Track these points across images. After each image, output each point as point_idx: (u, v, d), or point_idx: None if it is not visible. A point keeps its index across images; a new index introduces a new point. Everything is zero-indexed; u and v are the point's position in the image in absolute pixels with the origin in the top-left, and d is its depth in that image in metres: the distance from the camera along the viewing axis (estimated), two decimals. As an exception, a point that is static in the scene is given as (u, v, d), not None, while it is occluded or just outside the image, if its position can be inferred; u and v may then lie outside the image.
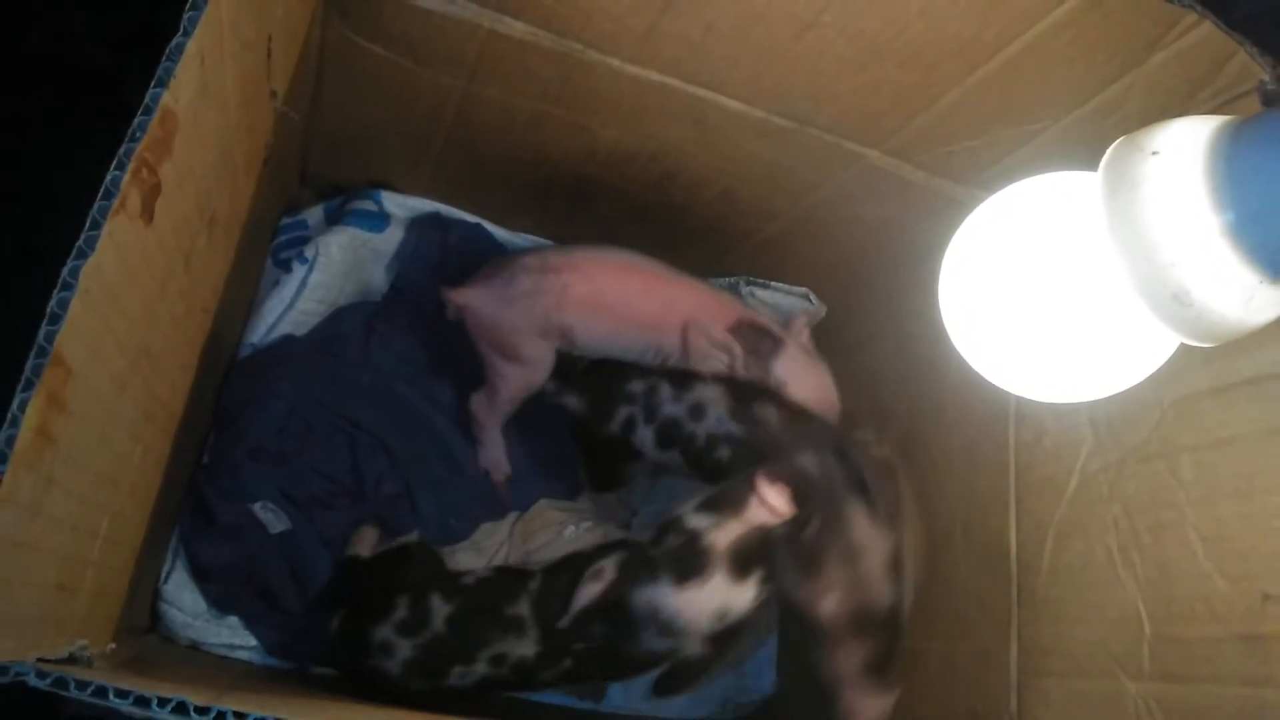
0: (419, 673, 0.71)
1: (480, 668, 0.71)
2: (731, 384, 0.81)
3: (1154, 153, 0.44)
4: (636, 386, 0.84)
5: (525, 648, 0.71)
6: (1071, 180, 0.52)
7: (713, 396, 0.81)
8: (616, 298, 0.82)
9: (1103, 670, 0.65)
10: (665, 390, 0.82)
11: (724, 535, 0.67)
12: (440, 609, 0.72)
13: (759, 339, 0.83)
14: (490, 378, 0.85)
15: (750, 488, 0.67)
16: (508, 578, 0.76)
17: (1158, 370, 0.55)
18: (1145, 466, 0.65)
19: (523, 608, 0.72)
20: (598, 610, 0.69)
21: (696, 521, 0.68)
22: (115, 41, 1.02)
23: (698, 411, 0.81)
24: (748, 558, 0.67)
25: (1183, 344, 0.53)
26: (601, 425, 0.85)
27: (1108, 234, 0.46)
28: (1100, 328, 0.50)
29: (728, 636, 0.70)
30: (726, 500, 0.69)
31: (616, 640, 0.70)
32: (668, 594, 0.67)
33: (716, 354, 0.82)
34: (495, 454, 0.89)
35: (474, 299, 0.81)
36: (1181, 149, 0.44)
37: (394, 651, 0.71)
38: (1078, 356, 0.52)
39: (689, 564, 0.67)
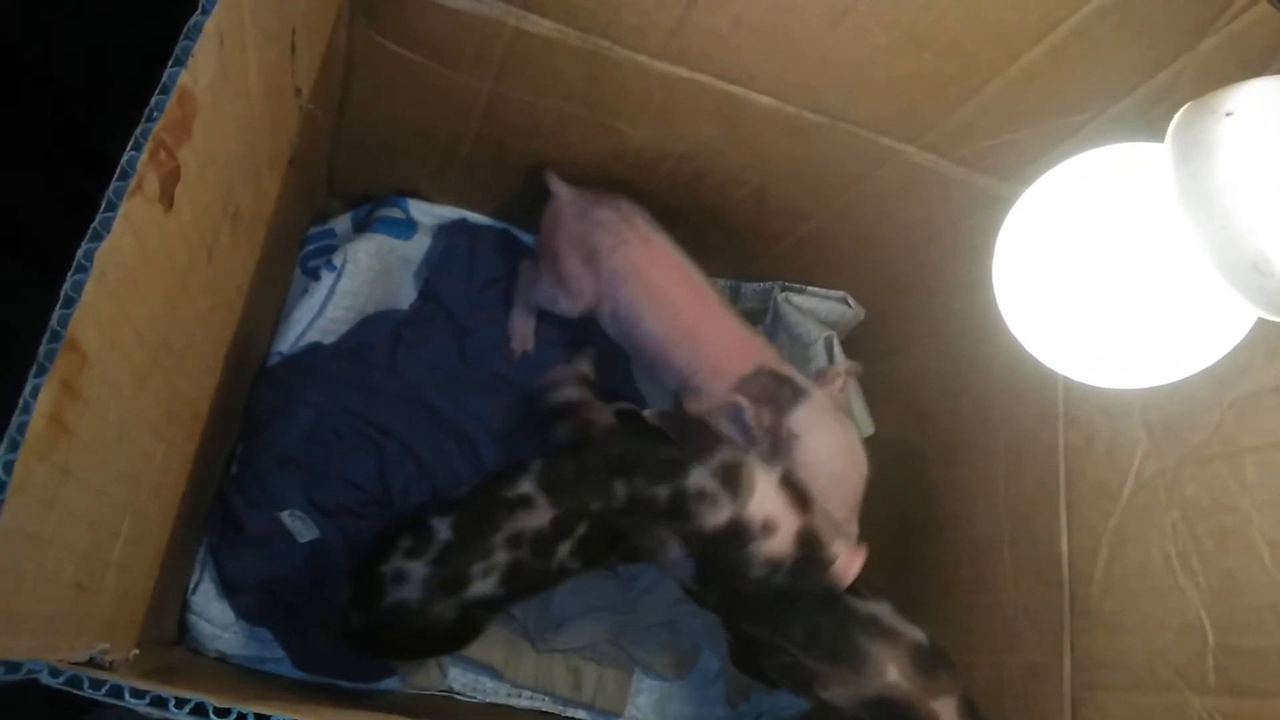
0: (440, 589, 0.68)
1: (500, 556, 0.69)
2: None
3: (1228, 114, 0.42)
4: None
5: (538, 518, 0.69)
6: (1134, 151, 0.50)
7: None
8: (654, 287, 0.81)
9: (1163, 683, 0.61)
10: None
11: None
12: (441, 524, 0.70)
13: (777, 387, 0.78)
14: (540, 269, 0.88)
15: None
16: (504, 472, 0.73)
17: (1217, 368, 0.52)
18: (1205, 469, 0.62)
19: (526, 486, 0.70)
20: (619, 460, 0.70)
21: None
22: (141, 57, 1.02)
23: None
24: (810, 548, 0.68)
25: (1246, 334, 0.50)
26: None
27: (1179, 203, 0.44)
28: (1171, 304, 0.47)
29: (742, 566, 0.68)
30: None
31: (634, 486, 0.69)
32: (760, 469, 0.68)
33: (727, 403, 0.77)
34: (521, 326, 0.91)
35: (563, 194, 0.84)
36: (1258, 109, 0.41)
37: (408, 577, 0.68)
38: (1148, 336, 0.50)
39: (793, 485, 0.69)
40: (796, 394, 0.78)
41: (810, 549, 0.68)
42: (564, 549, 0.70)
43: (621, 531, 0.71)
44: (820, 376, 0.84)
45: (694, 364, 0.80)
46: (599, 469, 0.70)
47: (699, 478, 0.68)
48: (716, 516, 0.68)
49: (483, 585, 0.69)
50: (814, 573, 0.69)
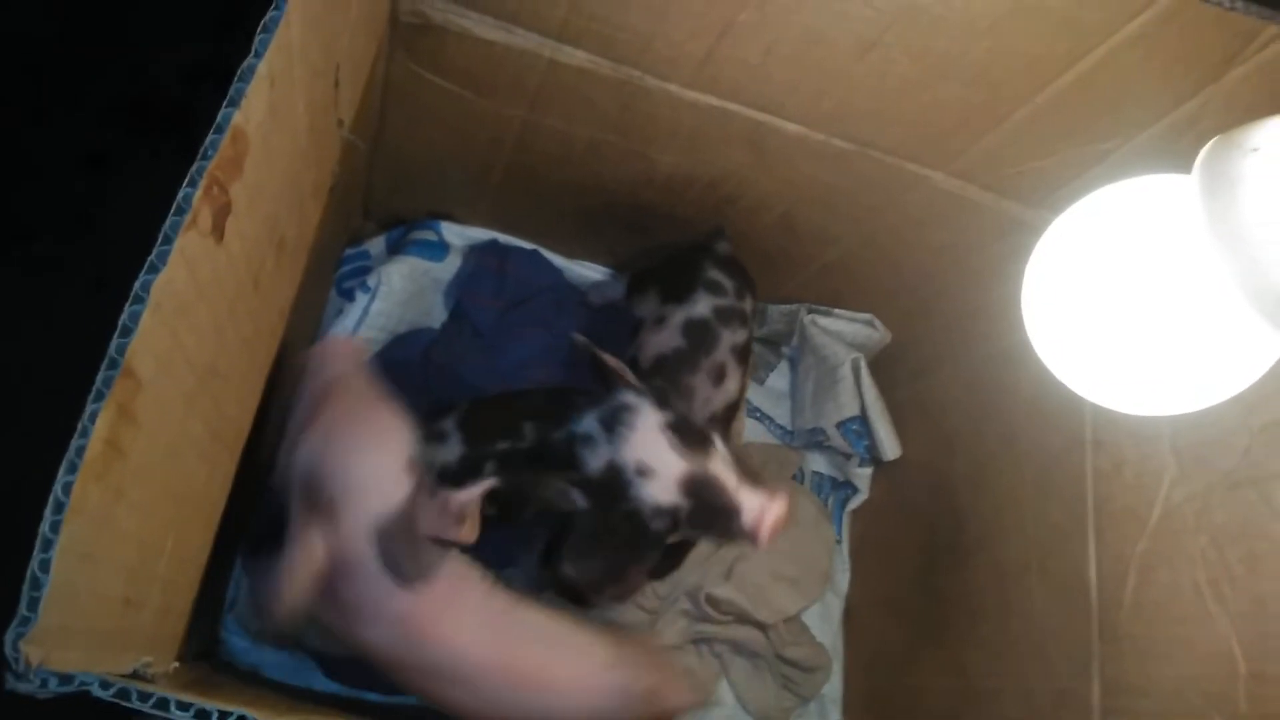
0: None
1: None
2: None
3: (1254, 149, 0.43)
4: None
5: (448, 453, 0.70)
6: (1162, 183, 0.50)
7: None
8: None
9: (1194, 711, 0.61)
10: None
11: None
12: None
13: None
14: None
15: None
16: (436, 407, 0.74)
17: (1245, 394, 0.52)
18: (1234, 495, 0.61)
19: (448, 424, 0.71)
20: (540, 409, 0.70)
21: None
22: (186, 76, 1.06)
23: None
24: (704, 495, 0.65)
25: (1274, 362, 0.50)
26: None
27: (1207, 235, 0.44)
28: (1200, 333, 0.48)
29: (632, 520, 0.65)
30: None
31: (541, 429, 0.69)
32: (646, 411, 0.66)
33: None
34: None
35: None
36: (1284, 145, 0.42)
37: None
38: (1176, 364, 0.50)
39: (685, 428, 0.67)
40: None
41: (705, 498, 0.64)
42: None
43: (528, 486, 0.69)
44: None
45: None
46: (513, 412, 0.71)
47: (589, 423, 0.67)
48: (596, 460, 0.65)
49: None
50: (720, 524, 0.65)
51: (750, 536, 0.65)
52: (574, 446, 0.67)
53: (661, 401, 0.67)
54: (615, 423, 0.66)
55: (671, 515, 0.65)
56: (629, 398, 0.67)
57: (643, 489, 0.64)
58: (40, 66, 1.08)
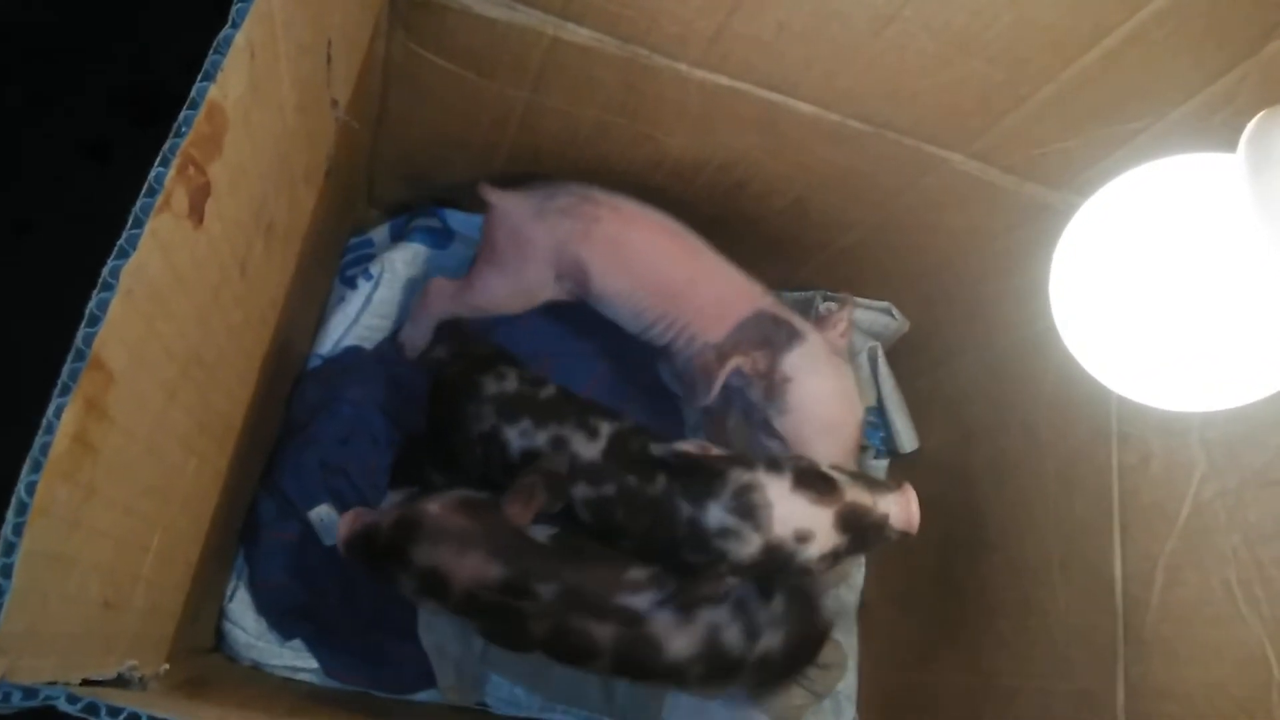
0: (506, 413, 0.74)
1: (541, 438, 0.72)
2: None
3: (1309, 124, 0.40)
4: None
5: (589, 451, 0.71)
6: (1200, 162, 0.48)
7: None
8: (641, 251, 0.78)
9: (1224, 716, 0.59)
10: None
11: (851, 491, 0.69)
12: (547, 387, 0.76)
13: (773, 329, 0.77)
14: (472, 279, 0.82)
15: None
16: (597, 406, 0.76)
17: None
18: (1269, 492, 0.59)
19: (604, 426, 0.73)
20: (681, 465, 0.70)
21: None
22: (188, 66, 1.04)
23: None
24: (857, 522, 0.68)
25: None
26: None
27: (1253, 216, 0.42)
28: (1243, 323, 0.45)
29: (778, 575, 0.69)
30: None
31: (681, 491, 0.69)
32: (770, 483, 0.67)
33: (719, 365, 0.76)
34: (417, 335, 0.85)
35: (508, 202, 0.79)
36: (1338, 117, 0.39)
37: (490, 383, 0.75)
38: (1216, 357, 0.47)
39: (809, 478, 0.68)
40: (792, 337, 0.77)
41: (858, 523, 0.67)
42: (590, 490, 0.71)
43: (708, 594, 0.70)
44: (821, 322, 0.83)
45: (689, 315, 0.78)
46: (649, 460, 0.71)
47: (717, 515, 0.67)
48: (748, 547, 0.67)
49: (519, 440, 0.72)
50: (875, 537, 0.68)
51: (905, 532, 0.69)
52: (709, 540, 0.67)
53: (771, 464, 0.69)
54: (749, 509, 0.67)
55: (834, 555, 0.68)
56: (743, 475, 0.68)
57: (807, 550, 0.67)
58: (41, 55, 1.06)
